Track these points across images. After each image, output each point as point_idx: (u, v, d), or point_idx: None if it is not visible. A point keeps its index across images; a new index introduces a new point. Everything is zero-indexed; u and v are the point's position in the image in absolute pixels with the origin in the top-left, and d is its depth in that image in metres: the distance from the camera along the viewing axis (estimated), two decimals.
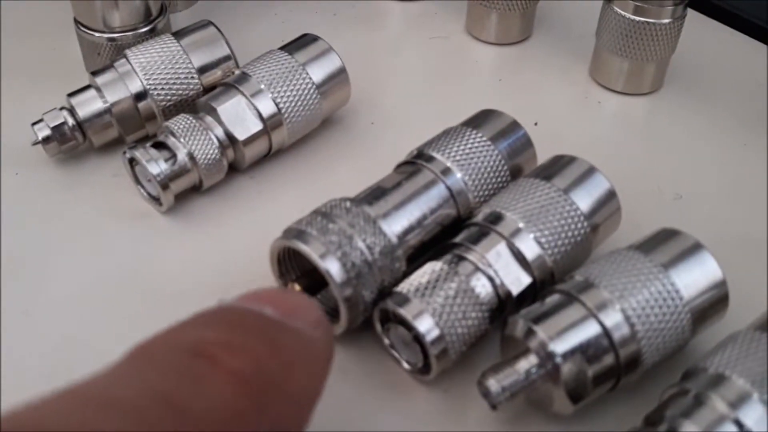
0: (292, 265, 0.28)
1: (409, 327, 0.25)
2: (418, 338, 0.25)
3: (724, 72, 0.40)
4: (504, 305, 0.26)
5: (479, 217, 0.28)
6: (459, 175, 0.29)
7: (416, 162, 0.30)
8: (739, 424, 0.21)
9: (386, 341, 0.27)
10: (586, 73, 0.40)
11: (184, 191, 0.32)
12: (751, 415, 0.21)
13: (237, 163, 0.33)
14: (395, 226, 0.27)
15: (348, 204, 0.27)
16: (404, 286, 0.26)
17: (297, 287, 0.27)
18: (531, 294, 0.26)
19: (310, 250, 0.25)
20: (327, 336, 0.20)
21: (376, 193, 0.28)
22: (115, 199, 0.33)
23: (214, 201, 0.33)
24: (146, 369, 0.17)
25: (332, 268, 0.25)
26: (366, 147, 0.36)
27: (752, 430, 0.21)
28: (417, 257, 0.28)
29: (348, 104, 0.36)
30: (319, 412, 0.26)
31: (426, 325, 0.25)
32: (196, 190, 0.33)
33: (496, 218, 0.27)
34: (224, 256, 0.31)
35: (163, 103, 0.34)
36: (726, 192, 0.34)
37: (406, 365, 0.26)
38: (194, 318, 0.19)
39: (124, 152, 0.32)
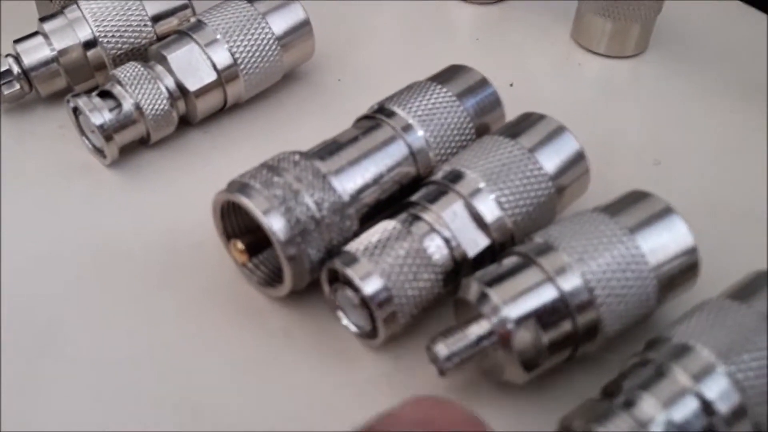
0: (237, 221, 0.26)
1: (356, 288, 0.24)
2: (365, 300, 0.24)
3: (711, 36, 0.38)
4: (460, 268, 0.25)
5: (438, 175, 0.26)
6: (420, 132, 0.27)
7: (376, 117, 0.28)
8: (701, 397, 0.20)
9: (334, 303, 0.25)
10: (568, 35, 0.38)
11: (132, 144, 0.31)
12: (714, 388, 0.20)
13: (189, 115, 0.31)
14: (348, 182, 0.26)
15: (297, 157, 0.25)
16: (353, 246, 0.24)
17: (240, 245, 0.25)
18: (489, 257, 0.25)
19: (252, 204, 0.24)
20: None
21: (330, 148, 0.26)
22: (61, 152, 0.31)
23: (163, 155, 0.31)
24: None
25: (275, 223, 0.23)
26: (331, 104, 0.34)
27: (716, 404, 0.20)
28: (372, 216, 0.26)
29: (314, 59, 0.34)
30: (260, 378, 0.25)
31: (373, 287, 0.23)
32: (144, 143, 0.31)
33: (455, 176, 0.25)
34: (172, 212, 0.29)
35: (114, 51, 0.32)
36: (707, 159, 0.32)
37: (354, 329, 0.25)
38: None
39: (68, 100, 0.30)
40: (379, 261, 0.24)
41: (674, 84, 0.36)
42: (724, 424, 0.19)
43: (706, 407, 0.20)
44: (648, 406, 0.20)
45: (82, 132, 0.31)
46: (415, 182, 0.27)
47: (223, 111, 0.32)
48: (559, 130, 0.26)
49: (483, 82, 0.29)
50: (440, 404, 0.18)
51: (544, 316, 0.22)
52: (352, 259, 0.24)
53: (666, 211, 0.24)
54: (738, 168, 0.32)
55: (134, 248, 0.28)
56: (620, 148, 0.33)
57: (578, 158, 0.26)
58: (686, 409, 0.20)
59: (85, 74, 0.32)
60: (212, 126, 0.32)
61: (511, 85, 0.35)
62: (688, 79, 0.36)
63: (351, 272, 0.23)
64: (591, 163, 0.27)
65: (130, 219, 0.29)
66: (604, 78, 0.36)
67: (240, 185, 0.24)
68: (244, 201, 0.24)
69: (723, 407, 0.20)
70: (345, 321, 0.25)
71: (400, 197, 0.27)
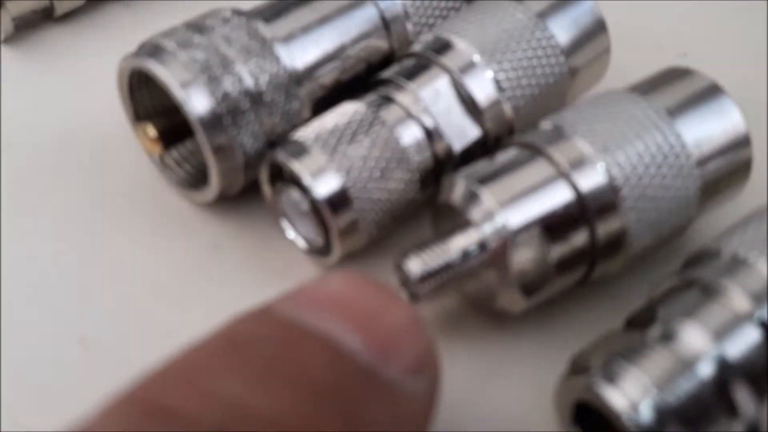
0: (151, 99, 0.20)
1: (305, 189, 0.18)
2: (316, 205, 0.18)
3: None
4: (442, 166, 0.19)
5: (419, 45, 0.20)
6: None
7: None
8: (765, 326, 0.15)
9: (277, 209, 0.19)
10: None
11: (34, 17, 0.25)
12: None
13: None
14: (298, 54, 0.20)
15: (229, 14, 0.19)
16: (303, 133, 0.19)
17: (151, 131, 0.19)
18: (480, 153, 0.19)
19: (161, 70, 0.18)
20: (431, 388, 0.14)
21: (277, 8, 0.20)
22: None
23: (74, 31, 0.25)
24: None
25: (193, 97, 0.18)
26: None
27: None
28: (329, 103, 0.20)
29: None
30: (183, 303, 0.20)
31: (328, 187, 0.18)
32: (49, 16, 0.25)
33: (441, 46, 0.20)
34: (79, 99, 0.24)
35: None
36: (743, 52, 0.27)
37: (302, 244, 0.19)
38: (226, 342, 0.12)
39: None
40: (336, 153, 0.18)
41: None
42: None
43: None
44: (694, 337, 0.14)
45: None
46: (387, 62, 0.21)
47: None
48: None
49: None
50: (374, 288, 0.14)
51: (553, 223, 0.16)
52: (300, 150, 0.18)
53: (712, 91, 0.18)
54: None
55: (34, 141, 0.22)
56: (640, 37, 0.27)
57: (598, 30, 0.21)
58: (746, 340, 0.14)
59: None
60: None
61: None
62: None
63: (298, 166, 0.18)
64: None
65: (27, 105, 0.23)
66: None
67: (151, 48, 0.18)
68: (151, 66, 0.18)
69: None
70: (291, 233, 0.19)
71: (367, 79, 0.21)
